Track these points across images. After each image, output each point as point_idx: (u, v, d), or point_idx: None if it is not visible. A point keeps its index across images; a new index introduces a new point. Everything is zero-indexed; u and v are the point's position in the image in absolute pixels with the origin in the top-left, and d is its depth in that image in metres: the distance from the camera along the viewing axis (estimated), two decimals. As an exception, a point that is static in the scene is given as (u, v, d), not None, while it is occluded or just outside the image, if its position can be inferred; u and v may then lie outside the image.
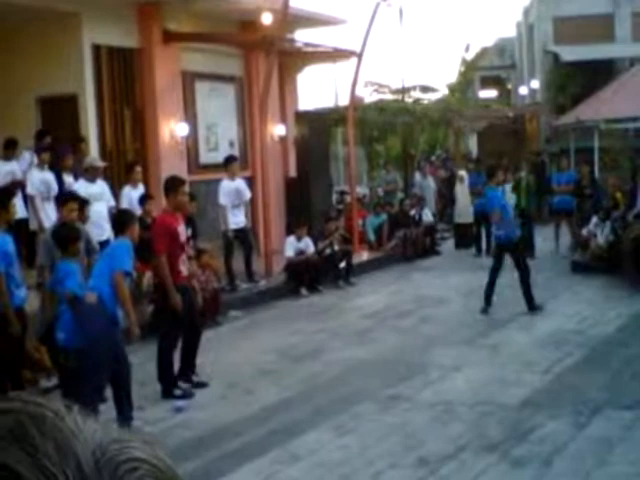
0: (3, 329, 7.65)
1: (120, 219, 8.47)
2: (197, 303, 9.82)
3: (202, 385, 8.85)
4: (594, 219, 15.78)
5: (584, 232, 15.89)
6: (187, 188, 14.74)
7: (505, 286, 14.54)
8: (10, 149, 12.41)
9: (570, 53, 28.64)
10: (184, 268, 8.80)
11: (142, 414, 8.00)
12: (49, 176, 12.08)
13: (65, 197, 9.78)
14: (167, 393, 8.50)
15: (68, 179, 12.33)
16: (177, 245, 8.67)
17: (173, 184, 8.92)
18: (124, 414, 7.48)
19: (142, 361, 10.00)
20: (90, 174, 11.77)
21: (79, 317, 7.46)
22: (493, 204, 12.52)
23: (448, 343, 10.32)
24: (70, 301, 7.51)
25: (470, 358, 9.62)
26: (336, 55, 19.85)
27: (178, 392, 8.52)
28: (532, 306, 11.94)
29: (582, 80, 27.61)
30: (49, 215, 12.07)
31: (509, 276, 15.51)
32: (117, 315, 7.73)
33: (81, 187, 11.60)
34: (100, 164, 12.15)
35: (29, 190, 11.79)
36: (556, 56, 29.72)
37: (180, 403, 8.23)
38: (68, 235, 7.87)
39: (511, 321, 11.53)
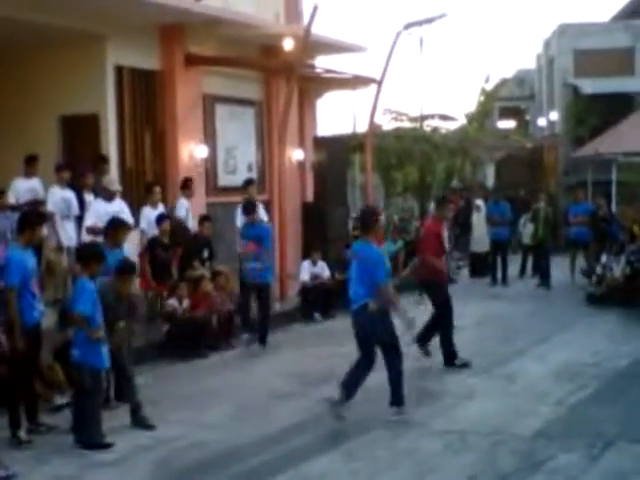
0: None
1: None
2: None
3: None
4: (604, 257, 15.76)
5: (598, 269, 15.85)
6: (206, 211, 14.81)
7: (522, 315, 14.55)
8: (31, 166, 12.48)
9: (590, 86, 28.68)
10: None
11: (155, 434, 8.01)
12: (69, 194, 12.18)
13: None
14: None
15: (88, 198, 12.43)
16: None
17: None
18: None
19: (155, 381, 10.04)
20: (107, 194, 11.85)
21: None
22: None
23: (462, 371, 10.28)
24: (79, 322, 7.55)
25: (484, 387, 9.59)
26: (356, 82, 19.94)
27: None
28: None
29: (601, 113, 27.62)
30: (68, 233, 12.18)
31: (526, 306, 15.53)
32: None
33: (99, 206, 11.69)
34: (115, 188, 12.03)
35: (49, 207, 11.88)
36: (576, 89, 29.76)
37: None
38: (91, 254, 7.91)
39: (526, 351, 11.48)
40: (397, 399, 8.42)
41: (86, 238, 11.29)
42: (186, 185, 14.05)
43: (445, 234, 11.17)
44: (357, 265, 8.47)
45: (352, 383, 8.41)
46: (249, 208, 12.31)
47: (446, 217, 11.58)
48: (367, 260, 8.34)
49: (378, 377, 10.06)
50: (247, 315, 12.33)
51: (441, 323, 10.79)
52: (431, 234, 10.95)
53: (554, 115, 31.40)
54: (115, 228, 9.17)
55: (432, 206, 22.60)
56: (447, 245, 11.15)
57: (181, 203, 13.89)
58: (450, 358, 10.61)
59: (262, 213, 14.23)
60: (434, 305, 10.94)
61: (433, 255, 10.77)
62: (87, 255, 7.90)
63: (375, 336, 8.34)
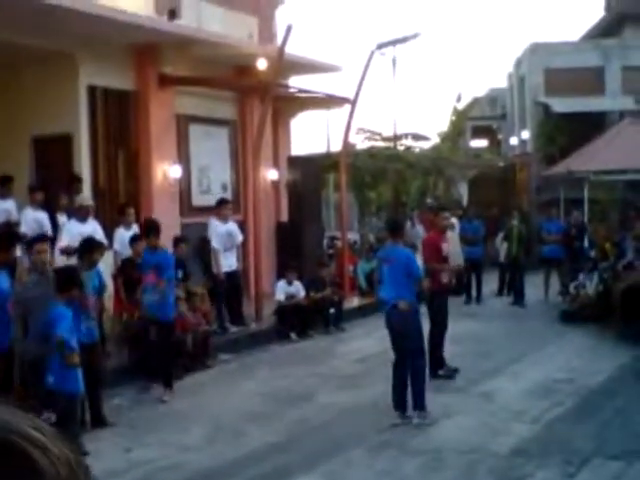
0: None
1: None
2: None
3: None
4: (581, 275, 15.89)
5: (571, 289, 15.98)
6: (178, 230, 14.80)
7: (497, 333, 14.59)
8: (6, 187, 12.38)
9: (560, 105, 28.97)
10: None
11: (130, 456, 7.94)
12: (42, 215, 12.09)
13: (35, 238, 9.65)
14: None
15: (62, 219, 12.34)
16: None
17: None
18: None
19: (130, 403, 9.97)
20: (81, 213, 11.80)
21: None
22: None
23: (439, 390, 10.28)
24: (59, 346, 7.47)
25: (460, 406, 9.59)
26: (330, 102, 20.01)
27: None
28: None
29: (572, 131, 27.89)
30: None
31: (500, 324, 15.58)
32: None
33: (73, 227, 11.63)
34: (89, 203, 12.17)
35: (22, 229, 11.78)
36: (547, 107, 30.05)
37: None
38: (69, 278, 7.84)
39: (501, 369, 11.51)
40: (421, 403, 8.90)
41: (59, 259, 11.22)
42: (219, 206, 14.26)
43: (444, 245, 11.31)
44: (388, 268, 9.16)
45: (422, 388, 8.96)
46: (152, 229, 10.80)
47: (444, 227, 11.76)
48: (400, 260, 9.05)
49: (355, 395, 10.07)
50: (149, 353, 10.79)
51: (435, 329, 11.03)
52: (431, 246, 11.36)
53: (525, 134, 31.68)
54: (90, 249, 9.12)
55: (408, 225, 22.72)
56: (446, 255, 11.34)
57: (214, 225, 14.06)
58: (437, 366, 10.84)
59: (236, 230, 14.26)
60: (431, 311, 11.21)
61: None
62: (65, 280, 7.82)
63: (407, 335, 8.97)
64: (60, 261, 11.19)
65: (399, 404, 8.95)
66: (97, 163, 14.64)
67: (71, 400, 7.49)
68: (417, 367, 9.03)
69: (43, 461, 0.87)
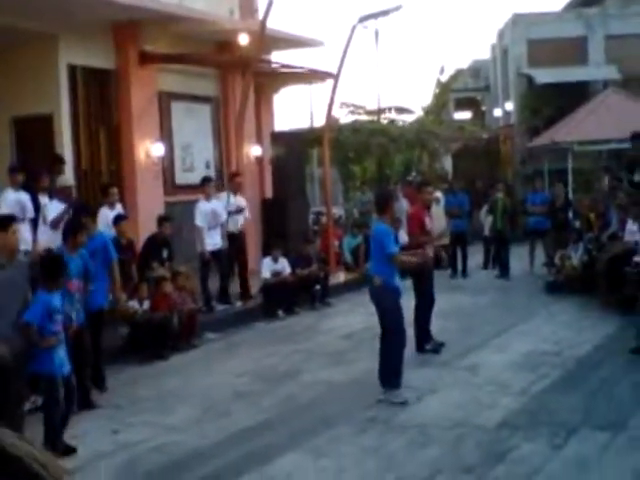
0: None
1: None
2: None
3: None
4: (570, 247, 15.91)
5: (556, 260, 16.03)
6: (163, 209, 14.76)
7: (482, 306, 14.64)
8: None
9: (544, 76, 28.89)
10: None
11: (117, 438, 7.93)
12: (24, 196, 11.97)
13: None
14: None
15: (43, 200, 12.24)
16: None
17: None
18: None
19: (117, 384, 9.94)
20: (63, 194, 11.72)
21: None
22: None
23: (424, 365, 10.32)
24: (23, 330, 7.35)
25: (446, 380, 9.62)
26: (312, 76, 19.92)
27: None
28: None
29: (556, 102, 27.84)
30: (24, 236, 11.96)
31: (486, 297, 15.62)
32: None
33: (54, 208, 11.55)
34: (71, 183, 12.19)
35: (3, 210, 11.67)
36: (530, 78, 29.97)
37: None
38: (56, 266, 7.73)
39: (487, 342, 11.55)
40: (395, 381, 8.80)
41: (48, 233, 11.18)
42: (231, 180, 15.02)
43: (427, 219, 11.34)
44: (372, 243, 9.29)
45: (392, 367, 8.83)
46: (77, 226, 9.24)
47: (428, 201, 11.81)
48: (375, 236, 9.12)
49: (342, 372, 10.09)
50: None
51: (421, 303, 11.07)
52: (415, 220, 11.42)
53: (509, 105, 31.61)
54: (74, 230, 9.02)
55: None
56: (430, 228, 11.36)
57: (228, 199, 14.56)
58: (423, 341, 10.87)
59: (221, 209, 14.21)
60: (416, 284, 11.20)
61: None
62: (52, 268, 7.69)
63: (382, 311, 8.99)
64: (44, 241, 11.15)
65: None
66: (79, 143, 14.54)
67: (50, 382, 7.42)
68: (390, 344, 8.95)
69: None
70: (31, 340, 7.34)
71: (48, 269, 7.66)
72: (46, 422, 7.39)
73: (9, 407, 7.02)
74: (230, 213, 14.44)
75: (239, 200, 14.95)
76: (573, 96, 27.08)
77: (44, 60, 14.16)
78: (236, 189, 14.95)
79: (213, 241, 13.96)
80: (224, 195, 14.84)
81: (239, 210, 14.75)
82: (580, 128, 22.26)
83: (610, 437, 7.32)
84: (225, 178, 17.78)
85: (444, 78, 32.46)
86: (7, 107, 14.37)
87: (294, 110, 69.66)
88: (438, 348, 10.99)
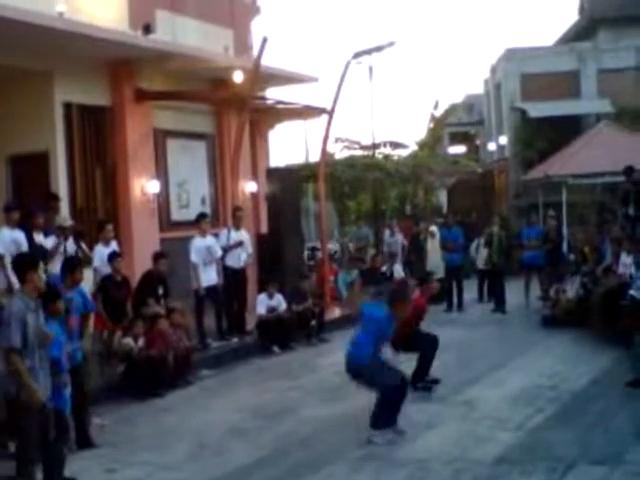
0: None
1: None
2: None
3: None
4: (567, 281, 15.92)
5: (551, 292, 16.05)
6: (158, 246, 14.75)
7: (479, 340, 14.62)
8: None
9: (537, 109, 29.06)
10: None
11: (114, 476, 7.88)
12: (19, 235, 11.96)
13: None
14: None
15: (38, 237, 12.23)
16: None
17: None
18: None
19: (112, 422, 9.89)
20: (61, 234, 11.76)
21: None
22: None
23: (421, 400, 10.28)
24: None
25: (443, 415, 9.59)
26: (307, 112, 20.03)
27: None
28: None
29: (549, 136, 27.99)
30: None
31: (482, 331, 15.61)
32: None
33: (50, 245, 11.57)
34: (69, 223, 12.17)
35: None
36: (523, 112, 30.16)
37: None
38: (49, 292, 7.67)
39: (484, 377, 11.52)
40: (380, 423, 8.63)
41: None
42: (234, 214, 15.08)
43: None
44: (367, 322, 9.14)
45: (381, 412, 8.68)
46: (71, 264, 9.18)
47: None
48: (377, 318, 9.00)
49: (337, 408, 10.05)
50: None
51: (427, 351, 10.94)
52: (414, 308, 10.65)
53: (503, 139, 31.77)
54: (72, 268, 9.00)
55: (387, 233, 22.71)
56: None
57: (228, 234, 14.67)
58: (418, 378, 10.71)
59: (216, 245, 14.21)
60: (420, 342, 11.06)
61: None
62: (49, 293, 7.63)
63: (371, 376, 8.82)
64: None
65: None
66: (74, 180, 14.58)
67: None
68: (385, 393, 8.74)
69: None
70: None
71: (46, 294, 7.55)
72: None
73: None
74: (226, 249, 14.45)
75: (241, 234, 14.98)
76: (566, 129, 27.25)
77: (39, 98, 14.24)
78: (238, 223, 15.02)
79: (208, 277, 13.95)
80: (224, 230, 14.87)
81: (238, 244, 14.75)
82: (574, 161, 22.36)
83: (607, 471, 7.29)
84: (220, 214, 17.84)
85: (438, 113, 32.64)
86: (2, 145, 14.42)
87: (289, 146, 69.92)
88: (431, 386, 10.84)
